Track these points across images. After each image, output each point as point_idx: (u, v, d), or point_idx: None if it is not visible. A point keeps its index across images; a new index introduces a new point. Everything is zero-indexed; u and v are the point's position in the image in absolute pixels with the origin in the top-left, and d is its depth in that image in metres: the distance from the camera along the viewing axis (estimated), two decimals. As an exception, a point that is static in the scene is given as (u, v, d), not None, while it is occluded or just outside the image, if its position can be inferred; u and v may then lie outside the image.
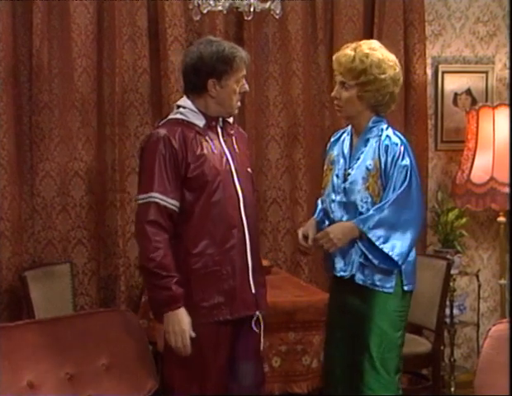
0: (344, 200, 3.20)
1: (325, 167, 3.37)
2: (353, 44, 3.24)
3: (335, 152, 3.32)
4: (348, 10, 4.78)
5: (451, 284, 4.63)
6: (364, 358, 3.15)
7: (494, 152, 4.68)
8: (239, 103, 3.13)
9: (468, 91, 5.08)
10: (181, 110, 3.11)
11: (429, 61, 4.99)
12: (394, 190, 3.12)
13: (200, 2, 3.86)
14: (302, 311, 3.74)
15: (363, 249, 3.14)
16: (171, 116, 3.14)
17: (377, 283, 3.15)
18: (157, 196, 2.96)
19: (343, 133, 3.36)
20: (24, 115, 4.42)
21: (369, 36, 4.78)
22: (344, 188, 3.21)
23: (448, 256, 4.65)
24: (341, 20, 4.77)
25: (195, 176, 2.99)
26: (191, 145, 3.00)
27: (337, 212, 3.24)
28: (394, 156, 3.14)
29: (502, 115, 4.70)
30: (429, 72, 5.02)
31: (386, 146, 3.16)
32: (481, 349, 3.37)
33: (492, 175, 4.66)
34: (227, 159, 3.07)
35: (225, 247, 3.01)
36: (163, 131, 3.02)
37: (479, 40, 5.10)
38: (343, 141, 3.31)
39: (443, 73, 5.05)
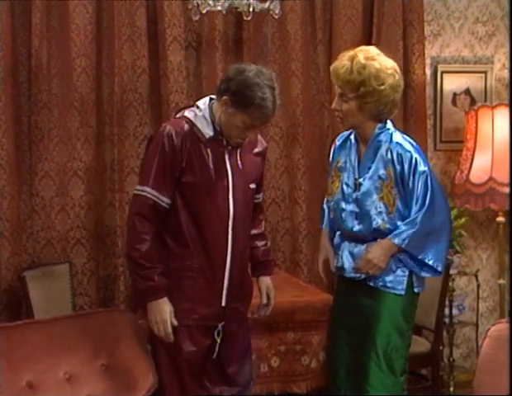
0: (357, 210, 3.19)
1: (332, 172, 3.33)
2: (350, 53, 3.17)
3: (342, 158, 3.28)
4: (347, 10, 4.77)
5: (450, 284, 4.64)
6: (370, 359, 3.15)
7: (493, 152, 4.68)
8: (240, 140, 3.09)
9: (467, 92, 5.08)
10: (196, 111, 3.11)
11: (428, 61, 4.99)
12: (418, 199, 3.11)
13: (199, 2, 3.86)
14: (301, 311, 3.75)
15: (404, 261, 3.15)
16: (187, 113, 3.13)
17: (388, 285, 3.15)
18: (150, 192, 3.02)
19: (349, 136, 3.31)
20: (23, 115, 4.42)
21: (368, 36, 4.79)
22: (356, 198, 3.18)
23: (448, 257, 4.64)
24: (340, 20, 4.77)
25: (188, 182, 3.02)
26: (191, 152, 3.02)
27: (348, 221, 3.22)
28: (410, 164, 3.11)
29: (501, 115, 4.71)
30: (428, 72, 5.02)
31: (399, 155, 3.12)
32: (480, 349, 3.37)
33: (491, 175, 4.66)
34: (226, 175, 3.08)
35: (203, 259, 3.05)
36: (170, 129, 3.04)
37: (478, 40, 5.10)
38: (350, 148, 3.27)
39: (442, 73, 5.05)
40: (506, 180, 4.59)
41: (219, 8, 3.91)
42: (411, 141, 3.21)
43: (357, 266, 3.18)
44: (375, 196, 3.14)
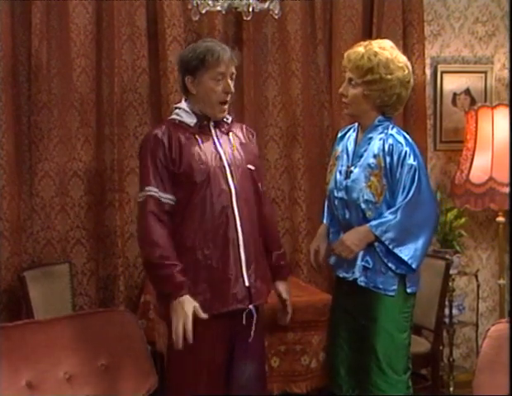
0: (346, 197, 3.20)
1: (330, 162, 3.36)
2: (366, 42, 3.23)
3: (340, 148, 3.31)
4: (347, 10, 4.78)
5: (450, 284, 4.63)
6: (370, 359, 3.16)
7: (493, 152, 4.68)
8: (224, 106, 3.14)
9: (467, 92, 5.08)
10: (176, 111, 3.21)
11: (427, 61, 4.99)
12: (403, 191, 3.10)
13: (199, 2, 3.86)
14: (301, 311, 3.73)
15: (380, 254, 3.13)
16: (168, 118, 3.25)
17: (380, 286, 3.15)
18: (152, 190, 3.04)
19: (350, 129, 3.35)
20: (23, 115, 4.42)
21: (368, 36, 4.77)
22: (346, 186, 3.20)
23: (447, 257, 4.64)
24: (340, 20, 4.77)
25: (182, 172, 3.05)
26: (179, 143, 3.08)
27: (340, 209, 3.24)
28: (400, 156, 3.11)
29: (501, 115, 4.71)
30: (428, 72, 5.02)
31: (391, 145, 3.13)
32: (480, 349, 3.37)
33: (491, 175, 4.66)
34: (219, 156, 3.11)
35: (215, 242, 3.04)
36: (154, 131, 3.14)
37: (478, 40, 5.10)
38: (349, 138, 3.30)
39: (442, 73, 5.05)
40: (506, 180, 4.59)
41: (218, 8, 3.91)
42: (406, 136, 3.21)
43: (332, 247, 3.21)
44: (363, 184, 3.14)
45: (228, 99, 3.15)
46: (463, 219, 4.86)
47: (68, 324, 3.37)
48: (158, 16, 4.53)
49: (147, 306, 4.21)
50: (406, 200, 3.09)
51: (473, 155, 4.75)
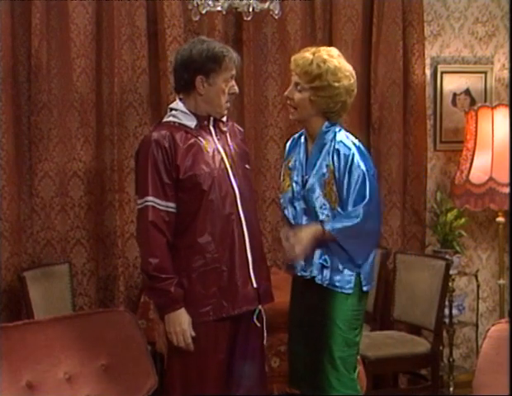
0: (304, 206, 3.24)
1: (283, 171, 3.38)
2: (313, 49, 3.26)
3: (293, 158, 3.34)
4: (346, 10, 4.78)
5: (450, 284, 4.63)
6: (324, 357, 3.19)
7: (493, 152, 4.68)
8: (228, 104, 3.16)
9: (467, 92, 5.08)
10: (173, 112, 3.16)
11: (427, 61, 4.99)
12: (351, 195, 3.12)
13: (199, 2, 3.86)
14: (301, 311, 3.74)
15: (332, 248, 3.15)
16: (164, 120, 3.19)
17: (337, 284, 3.17)
18: (152, 200, 3.01)
19: (300, 137, 3.36)
20: (23, 116, 4.43)
21: (368, 36, 4.80)
22: (303, 195, 3.23)
23: (447, 257, 4.65)
24: (340, 20, 4.78)
25: (187, 177, 3.02)
26: (181, 147, 3.04)
27: (298, 218, 3.27)
28: (347, 161, 3.14)
29: (501, 115, 4.71)
30: (428, 72, 5.02)
31: (338, 151, 3.16)
32: (480, 349, 3.37)
33: (491, 175, 4.66)
34: (221, 157, 3.11)
35: (223, 244, 3.04)
36: (154, 135, 3.07)
37: (478, 40, 5.10)
38: (299, 147, 3.33)
39: (442, 73, 5.05)
40: (506, 180, 4.59)
41: (218, 9, 3.90)
42: (355, 140, 3.23)
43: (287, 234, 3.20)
44: (318, 192, 3.18)
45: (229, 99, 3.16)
46: (463, 220, 4.86)
47: (68, 324, 3.37)
48: (158, 16, 4.53)
49: (147, 306, 4.21)
50: (363, 207, 3.11)
51: (473, 155, 4.75)
